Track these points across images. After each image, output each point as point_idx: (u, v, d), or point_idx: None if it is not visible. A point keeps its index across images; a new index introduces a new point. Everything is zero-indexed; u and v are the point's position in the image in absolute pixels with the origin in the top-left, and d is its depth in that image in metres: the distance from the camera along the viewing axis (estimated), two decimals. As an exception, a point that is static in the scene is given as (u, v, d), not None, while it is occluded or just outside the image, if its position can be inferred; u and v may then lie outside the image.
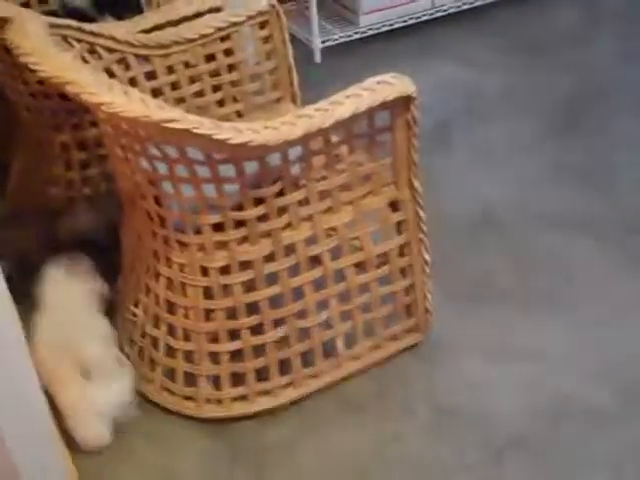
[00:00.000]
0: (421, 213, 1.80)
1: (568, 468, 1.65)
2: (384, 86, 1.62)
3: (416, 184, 1.77)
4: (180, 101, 2.03)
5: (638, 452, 1.67)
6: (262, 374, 1.77)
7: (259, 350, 1.74)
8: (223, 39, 2.04)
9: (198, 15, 2.04)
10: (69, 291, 1.85)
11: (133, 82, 1.95)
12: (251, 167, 1.57)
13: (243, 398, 1.77)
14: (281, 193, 1.63)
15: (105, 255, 1.96)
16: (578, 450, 1.68)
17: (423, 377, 1.88)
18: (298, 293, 1.73)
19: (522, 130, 2.71)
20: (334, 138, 1.64)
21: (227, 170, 1.56)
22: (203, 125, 1.43)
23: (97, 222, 2.03)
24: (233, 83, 2.10)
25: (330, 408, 1.81)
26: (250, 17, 2.04)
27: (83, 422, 1.68)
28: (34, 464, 0.96)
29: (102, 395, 1.71)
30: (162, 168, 1.58)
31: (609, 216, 2.30)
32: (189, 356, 1.75)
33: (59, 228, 2.03)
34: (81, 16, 2.04)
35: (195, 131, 1.42)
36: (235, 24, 2.04)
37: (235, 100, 2.12)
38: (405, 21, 3.32)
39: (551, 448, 1.69)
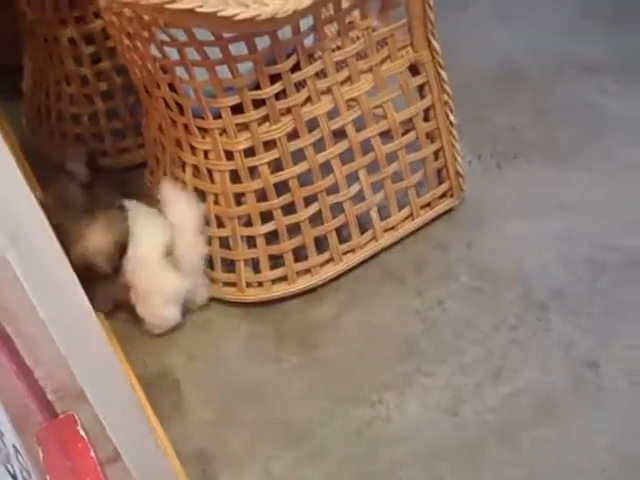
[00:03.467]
0: (442, 73, 1.76)
1: (610, 316, 1.64)
2: (392, -58, 1.55)
3: (434, 44, 1.72)
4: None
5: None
6: (300, 253, 1.77)
7: (294, 229, 1.74)
8: None
9: None
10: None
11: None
12: (263, 42, 1.52)
13: (283, 279, 1.77)
14: (297, 67, 1.59)
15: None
16: (619, 298, 1.67)
17: (460, 242, 1.86)
18: (326, 168, 1.71)
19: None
20: (345, 4, 1.59)
21: (239, 48, 1.52)
22: (207, 2, 1.39)
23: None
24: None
25: (370, 281, 1.81)
26: None
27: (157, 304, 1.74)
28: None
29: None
30: (173, 53, 1.54)
31: (640, 62, 2.22)
32: (225, 242, 1.75)
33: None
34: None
35: (199, 10, 1.38)
36: None
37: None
38: None
39: (592, 298, 1.68)
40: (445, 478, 1.44)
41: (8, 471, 0.81)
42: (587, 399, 1.52)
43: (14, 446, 0.88)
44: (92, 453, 1.00)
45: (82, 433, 1.02)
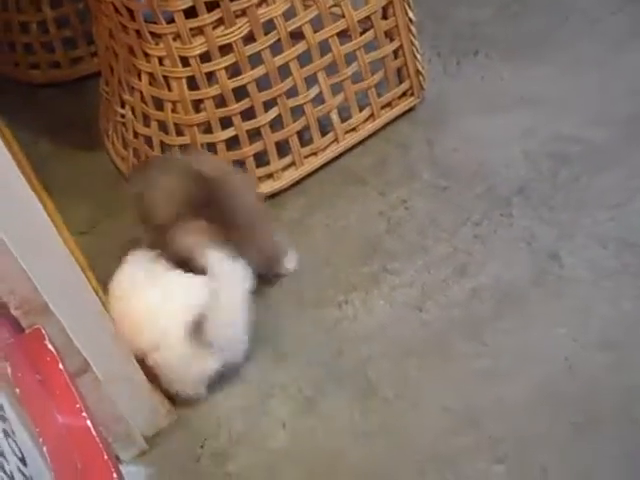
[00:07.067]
0: (401, -32, 1.72)
1: (571, 208, 1.66)
2: None
3: None
4: None
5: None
6: (261, 159, 1.75)
7: (254, 135, 1.72)
8: None
9: None
10: None
11: None
12: (215, -59, 1.48)
13: (245, 185, 1.77)
14: (251, -34, 1.55)
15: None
16: (580, 190, 1.68)
17: (422, 141, 1.86)
18: (285, 71, 1.68)
19: None
20: None
21: (190, -52, 1.47)
22: None
23: None
24: None
25: (333, 184, 1.81)
26: None
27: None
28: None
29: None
30: (120, -45, 1.49)
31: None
32: (185, 150, 1.73)
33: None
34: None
35: None
36: None
37: None
38: None
39: (554, 191, 1.69)
40: (412, 374, 1.47)
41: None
42: (549, 290, 1.54)
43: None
44: (61, 366, 1.01)
45: (50, 346, 1.02)
